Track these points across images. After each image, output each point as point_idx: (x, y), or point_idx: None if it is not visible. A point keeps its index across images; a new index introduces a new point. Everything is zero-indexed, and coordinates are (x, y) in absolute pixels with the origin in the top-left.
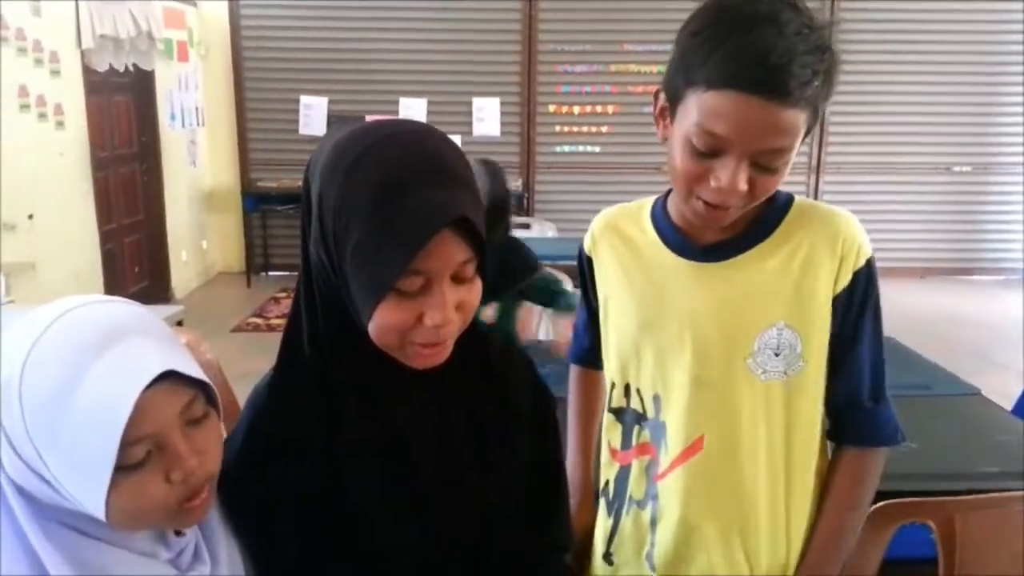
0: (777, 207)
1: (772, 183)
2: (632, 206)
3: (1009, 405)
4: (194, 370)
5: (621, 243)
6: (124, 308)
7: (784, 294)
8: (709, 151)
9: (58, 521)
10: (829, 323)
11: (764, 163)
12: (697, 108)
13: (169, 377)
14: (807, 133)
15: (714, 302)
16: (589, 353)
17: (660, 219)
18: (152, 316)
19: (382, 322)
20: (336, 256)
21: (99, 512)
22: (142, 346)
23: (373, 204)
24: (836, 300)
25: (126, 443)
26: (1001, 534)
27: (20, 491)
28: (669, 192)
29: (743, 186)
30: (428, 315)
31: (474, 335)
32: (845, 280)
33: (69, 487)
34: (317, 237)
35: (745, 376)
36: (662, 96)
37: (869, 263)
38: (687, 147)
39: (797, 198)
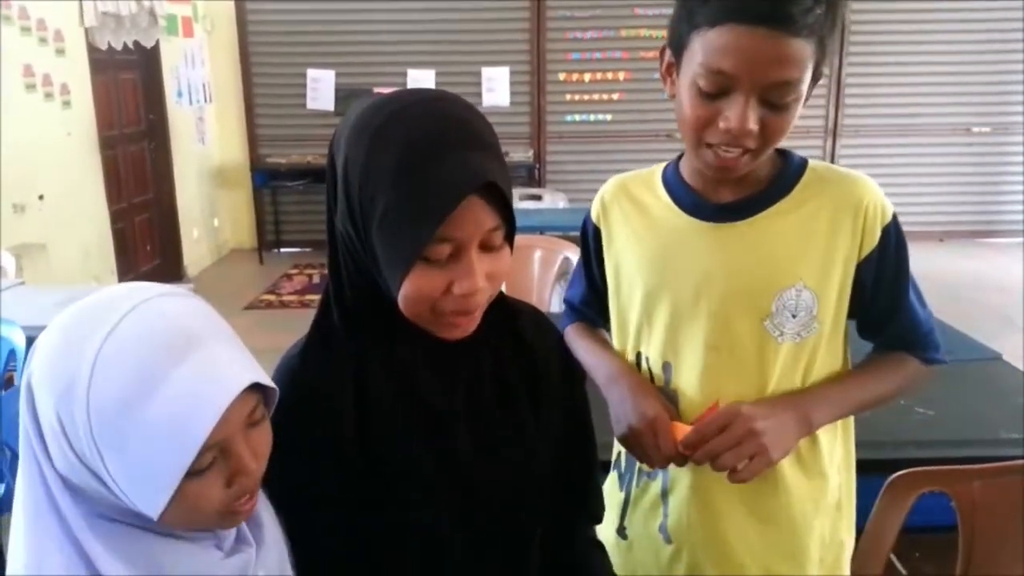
0: (792, 168)
1: (783, 123)
2: (643, 172)
3: None
4: (266, 378)
5: (632, 207)
6: (195, 307)
7: (803, 255)
8: (717, 91)
9: (101, 514)
10: (848, 287)
11: (773, 100)
12: (702, 48)
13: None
14: (816, 71)
15: (730, 262)
16: (586, 320)
17: (672, 181)
18: (219, 316)
19: (411, 292)
20: (363, 226)
21: (154, 515)
22: (221, 355)
23: (399, 169)
24: (865, 263)
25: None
26: (1022, 501)
27: (65, 483)
28: (681, 156)
29: (753, 125)
30: (457, 283)
31: (503, 306)
32: (872, 241)
33: (128, 490)
34: (343, 209)
35: (763, 338)
36: (668, 52)
37: (895, 219)
38: (694, 91)
39: (811, 160)
